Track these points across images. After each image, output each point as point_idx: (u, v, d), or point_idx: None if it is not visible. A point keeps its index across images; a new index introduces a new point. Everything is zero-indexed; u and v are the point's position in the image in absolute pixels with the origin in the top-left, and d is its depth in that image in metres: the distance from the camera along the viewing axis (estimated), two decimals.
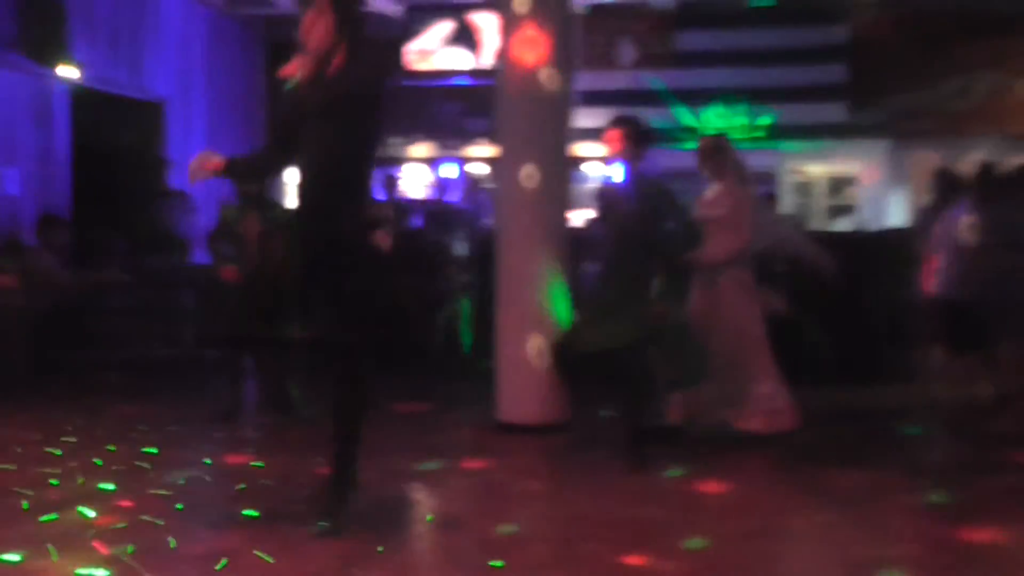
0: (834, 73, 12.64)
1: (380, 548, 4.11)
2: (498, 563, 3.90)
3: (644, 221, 5.73)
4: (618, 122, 5.97)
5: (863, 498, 5.04)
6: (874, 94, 12.42)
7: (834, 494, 5.11)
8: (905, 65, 12.20)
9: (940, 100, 12.18)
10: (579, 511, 4.91)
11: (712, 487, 5.25)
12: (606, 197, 9.32)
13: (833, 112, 12.65)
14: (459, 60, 12.66)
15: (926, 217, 8.12)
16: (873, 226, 12.09)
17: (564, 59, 6.74)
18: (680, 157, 12.35)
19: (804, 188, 13.52)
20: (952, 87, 12.14)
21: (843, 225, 12.90)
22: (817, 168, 13.43)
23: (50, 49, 9.57)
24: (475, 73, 12.45)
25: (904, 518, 4.82)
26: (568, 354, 5.92)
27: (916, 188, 11.79)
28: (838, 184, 13.51)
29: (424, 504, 5.27)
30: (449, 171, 13.37)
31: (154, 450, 5.97)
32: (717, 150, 6.35)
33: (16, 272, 7.85)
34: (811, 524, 4.75)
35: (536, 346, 6.43)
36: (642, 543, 4.26)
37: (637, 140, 5.88)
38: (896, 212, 12.48)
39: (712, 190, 6.28)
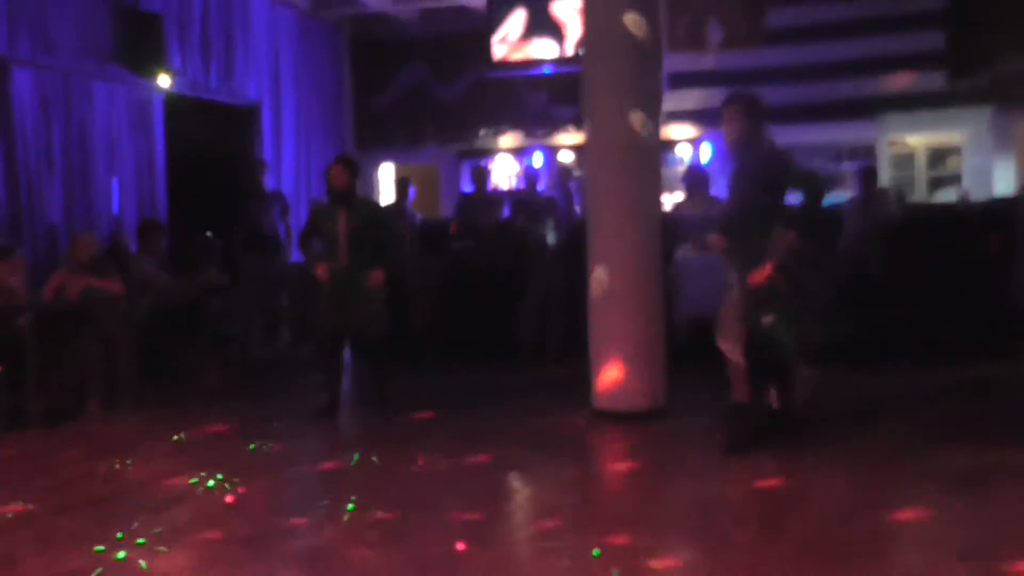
0: (931, 40, 12.28)
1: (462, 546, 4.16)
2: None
3: (771, 193, 5.59)
4: (736, 99, 5.85)
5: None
6: (974, 60, 12.02)
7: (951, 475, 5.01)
8: (1005, 29, 11.77)
9: None
10: (688, 494, 4.93)
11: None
12: (695, 178, 9.34)
13: (932, 80, 12.29)
14: (542, 50, 12.63)
15: None
16: (978, 196, 11.75)
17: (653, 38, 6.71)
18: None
19: (904, 160, 13.20)
20: None
21: (947, 196, 12.56)
22: (916, 139, 13.09)
23: (147, 61, 9.85)
24: (559, 61, 12.43)
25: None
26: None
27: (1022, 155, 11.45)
28: (939, 155, 13.15)
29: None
30: (537, 160, 13.37)
31: (253, 447, 6.14)
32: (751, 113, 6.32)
33: (119, 277, 8.07)
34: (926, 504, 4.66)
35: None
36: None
37: (755, 116, 5.76)
38: (1003, 180, 12.10)
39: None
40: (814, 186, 5.80)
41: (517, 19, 12.42)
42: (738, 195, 5.80)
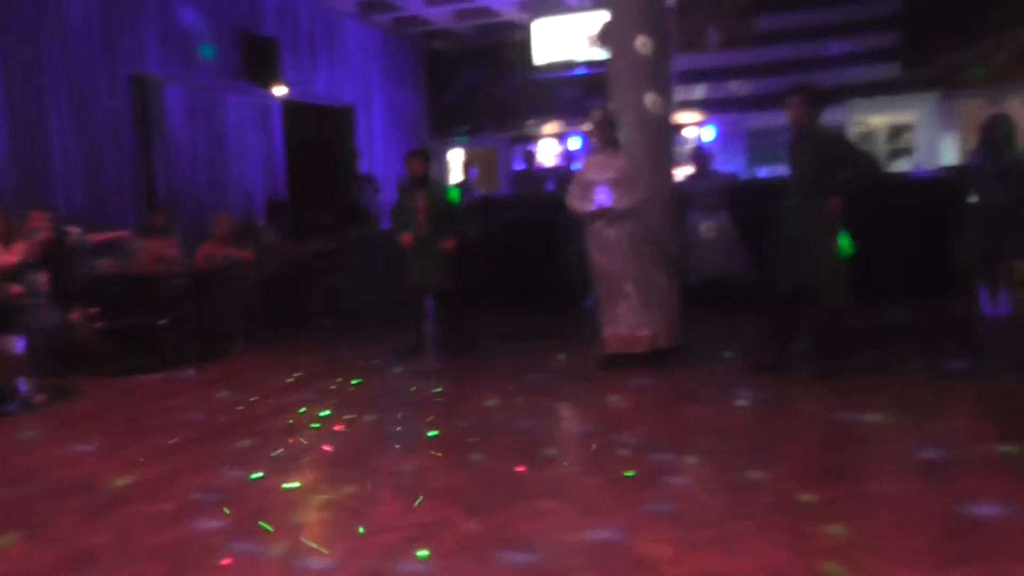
0: (888, 39, 11.85)
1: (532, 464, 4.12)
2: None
3: (822, 168, 5.32)
4: (798, 89, 5.53)
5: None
6: (923, 54, 11.61)
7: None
8: (948, 28, 11.35)
9: (981, 55, 11.30)
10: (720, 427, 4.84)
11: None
12: (700, 155, 9.12)
13: (889, 71, 11.89)
14: (575, 55, 12.33)
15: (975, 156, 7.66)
16: (927, 166, 11.40)
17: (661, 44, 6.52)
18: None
19: (867, 136, 12.80)
20: (991, 43, 11.24)
21: (903, 165, 12.21)
22: (878, 119, 12.68)
23: (267, 75, 9.83)
24: (590, 64, 12.14)
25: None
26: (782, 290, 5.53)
27: (965, 133, 11.02)
28: (896, 131, 12.74)
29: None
30: (574, 143, 13.17)
31: (359, 381, 6.15)
32: (610, 123, 6.12)
33: (252, 247, 8.12)
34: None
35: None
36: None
37: (814, 103, 5.47)
38: (948, 153, 11.72)
39: (600, 156, 6.12)
40: (863, 164, 5.53)
41: (554, 31, 12.13)
42: (798, 169, 5.48)
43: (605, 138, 6.11)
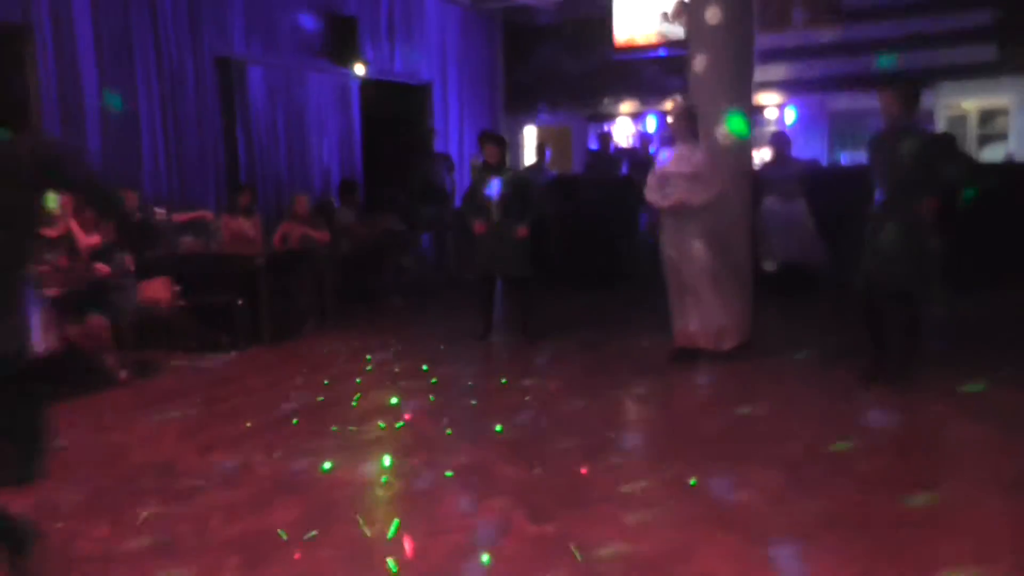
0: (982, 18, 11.29)
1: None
2: None
3: (920, 167, 5.07)
4: (892, 87, 5.24)
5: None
6: (1021, 34, 11.03)
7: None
8: None
9: None
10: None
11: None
12: (780, 141, 8.88)
13: (982, 53, 11.35)
14: (655, 36, 12.06)
15: None
16: (1022, 155, 10.92)
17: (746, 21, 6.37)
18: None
19: (958, 120, 12.28)
20: None
21: (995, 152, 11.70)
22: (969, 103, 12.14)
23: (347, 53, 9.92)
24: (670, 45, 11.89)
25: None
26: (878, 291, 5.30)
27: None
28: (988, 115, 12.18)
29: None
30: (650, 124, 12.98)
31: (425, 367, 6.22)
32: (691, 116, 5.95)
33: (326, 227, 8.25)
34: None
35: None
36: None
37: (910, 100, 5.22)
38: None
39: (679, 148, 5.95)
40: (963, 167, 5.37)
41: (634, 9, 11.91)
42: (892, 167, 5.17)
43: (685, 131, 6.00)
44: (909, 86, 5.27)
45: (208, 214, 7.72)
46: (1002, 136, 12.00)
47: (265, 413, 5.17)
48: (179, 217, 7.41)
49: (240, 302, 7.00)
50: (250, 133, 8.74)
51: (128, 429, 5.00)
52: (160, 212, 7.24)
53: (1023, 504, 3.51)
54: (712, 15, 6.29)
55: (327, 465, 4.19)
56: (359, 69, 10.14)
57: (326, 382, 5.86)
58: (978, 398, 4.99)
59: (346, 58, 9.92)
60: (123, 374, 5.96)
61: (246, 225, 7.87)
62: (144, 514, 3.66)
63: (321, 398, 5.48)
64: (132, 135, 7.62)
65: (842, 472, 3.91)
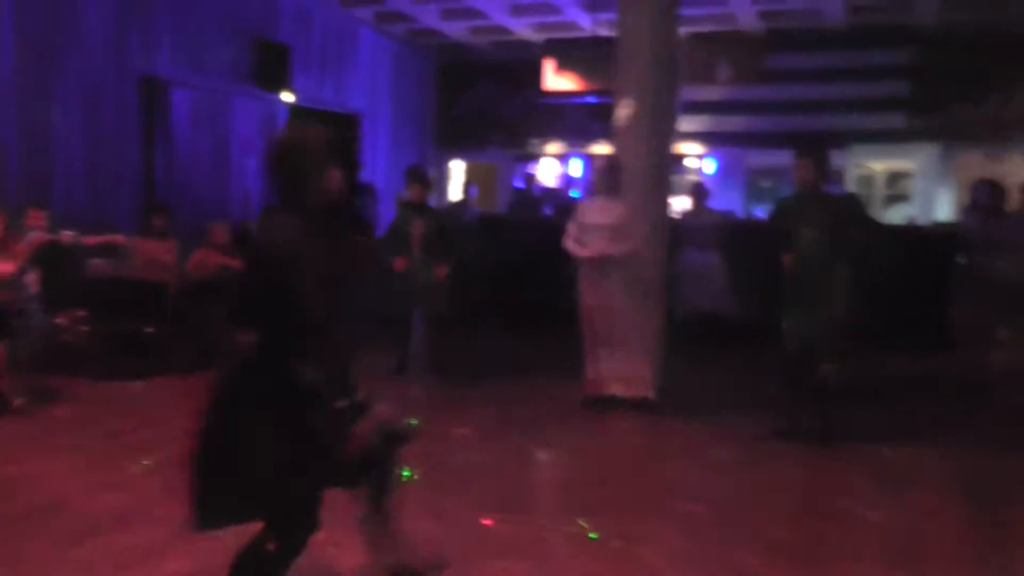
0: (896, 88, 11.87)
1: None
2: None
3: (833, 229, 5.26)
4: (807, 152, 5.42)
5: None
6: (929, 106, 11.65)
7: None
8: (956, 83, 11.43)
9: (986, 111, 11.38)
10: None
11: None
12: (699, 191, 9.12)
13: (893, 120, 11.94)
14: (582, 83, 12.26)
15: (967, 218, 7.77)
16: (923, 217, 11.47)
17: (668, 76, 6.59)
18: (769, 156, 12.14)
19: (866, 180, 12.84)
20: (996, 99, 11.32)
21: (898, 212, 12.26)
22: (878, 164, 12.72)
23: (276, 80, 9.83)
24: (597, 92, 12.11)
25: None
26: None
27: (961, 185, 11.06)
28: (895, 177, 12.78)
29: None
30: (575, 167, 13.18)
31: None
32: (614, 169, 6.12)
33: (243, 255, 8.08)
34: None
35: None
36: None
37: (822, 167, 5.41)
38: (944, 205, 11.77)
39: (600, 200, 6.12)
40: (870, 227, 5.61)
41: (566, 55, 12.11)
42: (807, 229, 5.34)
43: (608, 184, 6.13)
44: (824, 154, 5.46)
45: (119, 238, 7.49)
46: (905, 197, 12.59)
47: (168, 449, 4.98)
48: (89, 240, 7.18)
49: (150, 329, 6.81)
50: (171, 155, 8.57)
51: (19, 462, 4.78)
52: (68, 234, 7.00)
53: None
54: (641, 73, 6.45)
55: None
56: (288, 97, 10.06)
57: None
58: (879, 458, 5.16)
59: (275, 85, 9.83)
60: (18, 401, 5.72)
61: (160, 249, 7.66)
62: (29, 558, 3.51)
63: None
64: (44, 150, 7.38)
65: (744, 536, 3.99)
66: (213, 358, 7.18)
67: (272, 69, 9.74)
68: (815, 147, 5.54)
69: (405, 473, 4.60)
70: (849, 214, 5.49)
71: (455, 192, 13.34)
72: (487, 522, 4.03)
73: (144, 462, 4.77)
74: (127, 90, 8.09)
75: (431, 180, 7.48)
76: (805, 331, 5.36)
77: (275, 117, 10.14)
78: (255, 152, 9.83)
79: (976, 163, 11.42)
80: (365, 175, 11.33)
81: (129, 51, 8.08)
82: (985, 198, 7.47)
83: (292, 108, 10.33)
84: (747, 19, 11.77)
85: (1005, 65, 11.24)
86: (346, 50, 11.29)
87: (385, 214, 11.11)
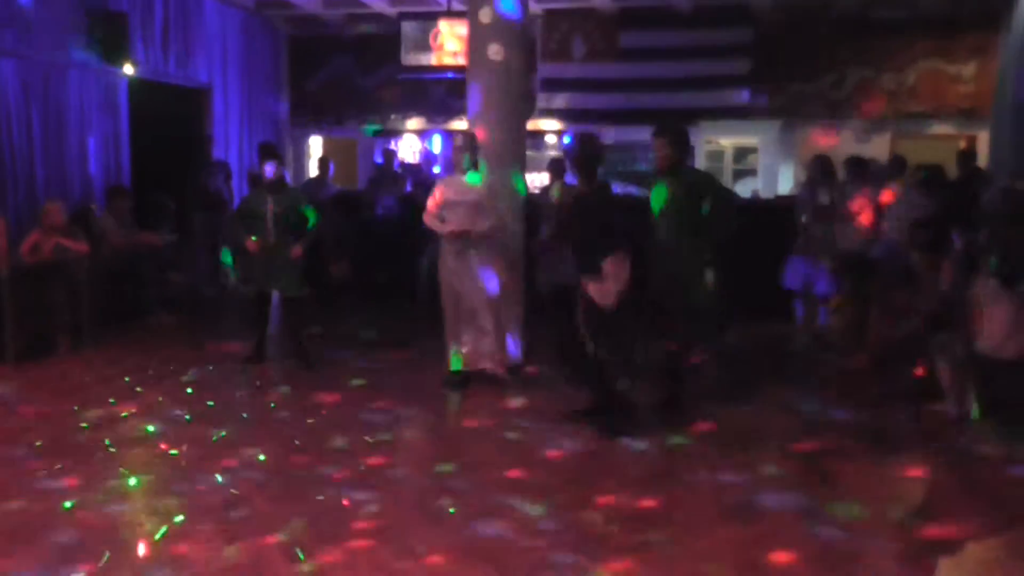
0: (740, 66, 12.44)
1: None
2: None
3: (690, 204, 5.36)
4: (663, 131, 5.50)
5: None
6: (771, 83, 12.30)
7: None
8: (795, 62, 12.12)
9: (821, 90, 12.13)
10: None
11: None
12: (557, 166, 9.28)
13: (738, 96, 12.52)
14: (441, 59, 12.18)
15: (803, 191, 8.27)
16: (768, 191, 12.11)
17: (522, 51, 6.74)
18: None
19: (715, 155, 13.42)
20: (830, 79, 12.09)
21: (745, 186, 12.89)
22: (726, 140, 13.32)
23: (115, 51, 9.29)
24: (456, 69, 12.08)
25: None
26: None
27: (802, 160, 11.74)
28: (742, 153, 13.42)
29: None
30: (436, 143, 13.14)
31: (190, 391, 5.96)
32: (473, 147, 6.26)
33: (86, 237, 7.68)
34: None
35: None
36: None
37: (678, 143, 5.49)
38: (786, 179, 12.47)
39: (460, 177, 6.21)
40: (729, 202, 5.74)
41: (422, 33, 11.98)
42: (666, 205, 5.44)
43: (467, 161, 6.17)
44: (677, 132, 5.57)
45: None
46: (752, 172, 13.25)
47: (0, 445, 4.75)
48: None
49: None
50: None
51: None
52: None
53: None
54: (495, 51, 6.52)
55: (68, 504, 3.92)
56: (128, 68, 9.54)
57: (75, 408, 5.47)
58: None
59: (114, 56, 9.29)
60: None
61: None
62: None
63: (68, 428, 5.10)
64: None
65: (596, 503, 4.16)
66: (50, 345, 6.88)
67: (109, 38, 9.19)
68: (670, 126, 5.66)
69: (261, 458, 4.56)
70: (708, 189, 5.56)
71: (313, 168, 13.03)
72: (346, 503, 4.03)
73: None
74: None
75: (281, 156, 7.28)
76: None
77: (116, 90, 9.60)
78: (96, 128, 9.29)
79: (815, 139, 12.20)
80: (217, 151, 10.93)
81: None
82: (817, 172, 8.02)
83: (135, 81, 9.81)
84: None
85: (838, 46, 11.97)
86: (190, 19, 10.78)
87: (239, 192, 10.80)
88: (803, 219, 7.95)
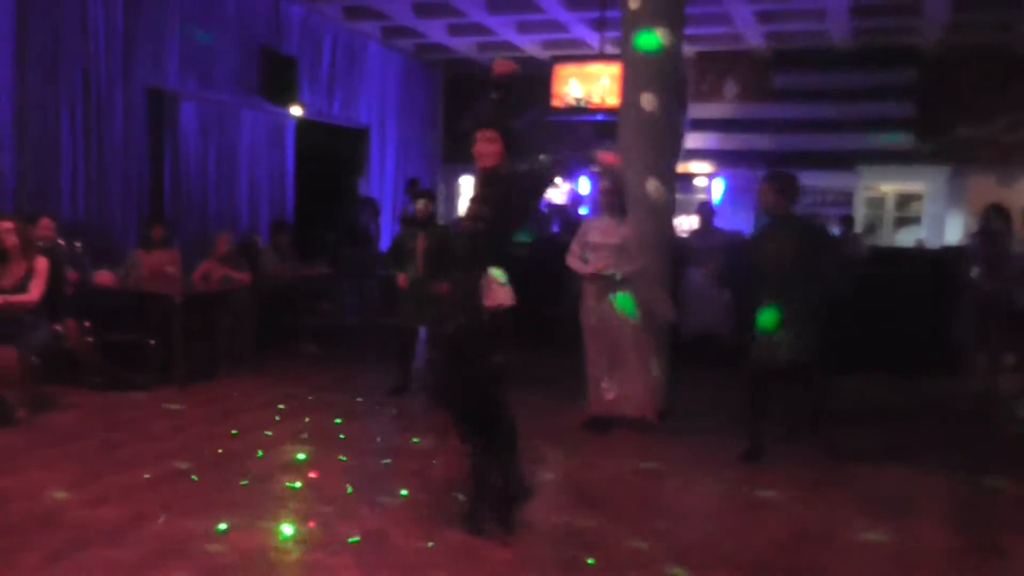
0: (904, 109, 11.86)
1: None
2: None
3: (798, 256, 5.28)
4: (771, 178, 5.52)
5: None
6: (937, 127, 11.65)
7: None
8: (963, 104, 11.44)
9: (993, 133, 11.38)
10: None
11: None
12: (705, 212, 9.14)
13: (902, 141, 11.92)
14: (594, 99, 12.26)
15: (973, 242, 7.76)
16: (934, 240, 11.45)
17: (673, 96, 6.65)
18: None
19: (875, 202, 12.83)
20: (1004, 122, 11.33)
21: (908, 234, 12.23)
22: (887, 186, 12.70)
23: (284, 93, 9.88)
24: (606, 111, 12.11)
25: None
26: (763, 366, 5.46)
27: (972, 209, 11.03)
28: (905, 199, 12.75)
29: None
30: (583, 184, 13.18)
31: (339, 420, 6.13)
32: (619, 190, 6.12)
33: (248, 268, 8.12)
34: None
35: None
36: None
37: (786, 191, 5.44)
38: (954, 228, 11.73)
39: (605, 220, 6.12)
40: (838, 252, 5.63)
41: (573, 73, 12.12)
42: (773, 255, 5.37)
43: (613, 204, 6.14)
44: (784, 179, 5.48)
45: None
46: (916, 219, 12.55)
47: (164, 462, 5.01)
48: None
49: (152, 341, 6.83)
50: (178, 167, 8.62)
51: (17, 472, 4.79)
52: (79, 245, 7.06)
53: None
54: (646, 97, 6.48)
55: (222, 526, 4.08)
56: (296, 110, 10.11)
57: (234, 432, 5.73)
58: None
59: (283, 98, 9.89)
60: (21, 412, 5.73)
61: (164, 259, 7.69)
62: (21, 571, 3.50)
63: (221, 450, 5.34)
64: (52, 160, 7.44)
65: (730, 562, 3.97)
66: (212, 368, 7.27)
67: (280, 82, 9.80)
68: (778, 173, 5.61)
69: (403, 493, 4.61)
70: (813, 238, 5.46)
71: (464, 206, 13.37)
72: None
73: (145, 475, 4.76)
74: (135, 102, 8.14)
75: (435, 195, 7.48)
76: (770, 355, 5.37)
77: (283, 130, 10.19)
78: (264, 165, 9.87)
79: (987, 187, 11.40)
80: (372, 189, 11.37)
81: (138, 63, 8.13)
82: (990, 223, 7.46)
83: (301, 121, 10.38)
84: (753, 38, 11.81)
85: (1012, 86, 11.24)
86: (355, 63, 11.35)
87: (387, 229, 11.18)
88: (973, 272, 7.43)
